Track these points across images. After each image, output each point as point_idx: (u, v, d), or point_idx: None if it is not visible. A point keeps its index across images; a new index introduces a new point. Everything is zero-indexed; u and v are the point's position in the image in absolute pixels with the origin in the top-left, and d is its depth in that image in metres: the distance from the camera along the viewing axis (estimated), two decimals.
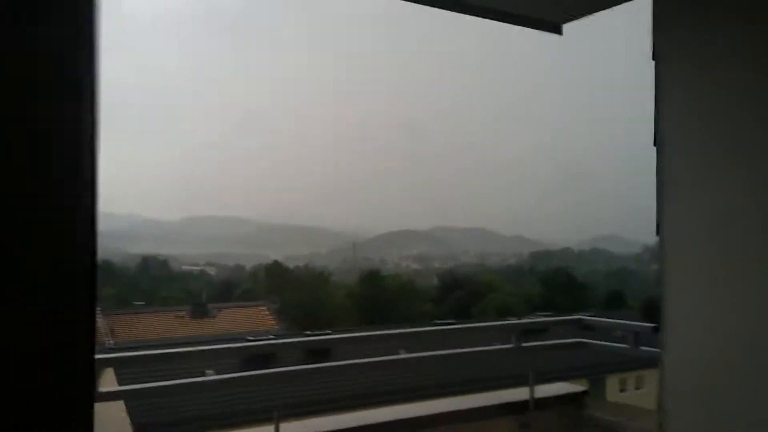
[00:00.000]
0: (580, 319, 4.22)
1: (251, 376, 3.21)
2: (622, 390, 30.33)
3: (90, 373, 0.77)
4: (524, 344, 3.82)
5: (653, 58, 3.60)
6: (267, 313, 38.65)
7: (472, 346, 4.49)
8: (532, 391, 3.79)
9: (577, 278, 63.64)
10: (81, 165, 0.75)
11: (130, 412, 18.41)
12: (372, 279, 56.47)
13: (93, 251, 0.78)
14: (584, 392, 4.09)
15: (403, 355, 3.74)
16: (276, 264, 65.20)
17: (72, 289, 0.74)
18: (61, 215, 0.73)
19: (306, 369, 3.37)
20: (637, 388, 30.59)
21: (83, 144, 0.76)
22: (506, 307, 44.41)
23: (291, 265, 74.45)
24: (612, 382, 30.30)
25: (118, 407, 18.42)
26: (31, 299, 0.71)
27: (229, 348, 4.11)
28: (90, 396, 0.76)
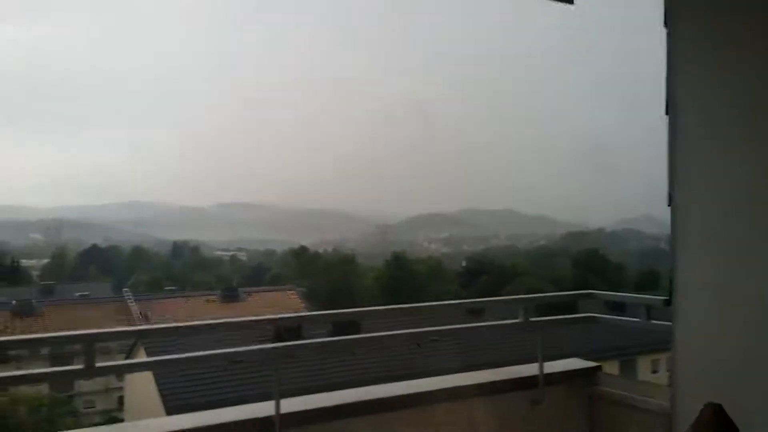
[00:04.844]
0: (591, 293, 4.16)
1: (244, 351, 3.21)
2: (654, 371, 30.10)
3: None
4: (532, 319, 3.77)
5: (665, 25, 3.49)
6: (295, 296, 39.03)
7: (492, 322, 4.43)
8: (541, 367, 3.75)
9: (610, 259, 62.95)
10: None
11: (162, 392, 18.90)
12: (399, 262, 56.56)
13: None
14: (597, 368, 4.03)
15: (413, 330, 3.70)
16: (303, 248, 65.68)
17: None
18: None
19: (338, 341, 3.31)
20: (668, 370, 30.24)
21: None
22: (534, 290, 44.15)
23: (320, 249, 74.90)
24: (644, 363, 30.06)
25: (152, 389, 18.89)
26: None
27: (256, 320, 4.09)
28: None
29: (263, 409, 2.96)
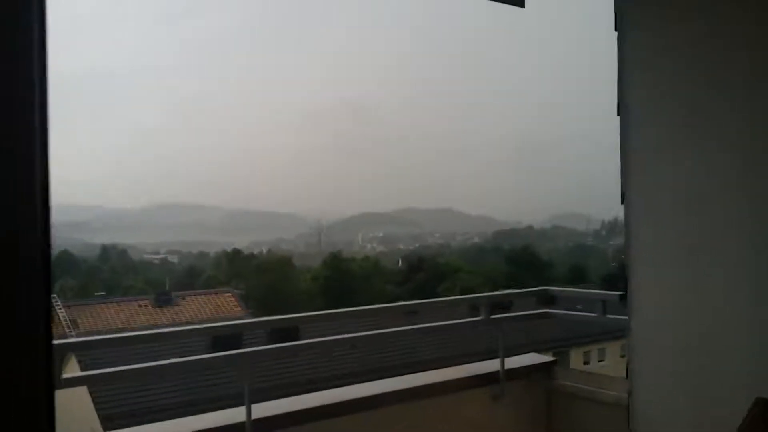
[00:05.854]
0: (545, 290, 4.26)
1: (215, 358, 3.13)
2: (585, 362, 31.13)
3: (48, 362, 0.75)
4: (493, 316, 3.84)
5: (616, 29, 3.61)
6: (232, 299, 38.30)
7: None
8: (502, 363, 3.82)
9: (540, 256, 64.54)
10: (32, 159, 0.74)
11: (96, 401, 18.22)
12: (336, 262, 56.38)
13: (47, 244, 0.77)
14: (553, 362, 4.14)
15: (372, 332, 3.71)
16: (237, 251, 64.70)
17: (27, 281, 0.74)
18: (15, 211, 0.73)
19: (276, 348, 3.28)
20: (599, 361, 31.40)
21: (34, 138, 0.75)
22: (471, 287, 44.81)
23: (255, 250, 73.86)
24: (577, 355, 31.09)
25: (86, 400, 18.18)
26: None
27: (190, 330, 3.99)
28: (50, 386, 0.75)
29: (235, 415, 2.92)
